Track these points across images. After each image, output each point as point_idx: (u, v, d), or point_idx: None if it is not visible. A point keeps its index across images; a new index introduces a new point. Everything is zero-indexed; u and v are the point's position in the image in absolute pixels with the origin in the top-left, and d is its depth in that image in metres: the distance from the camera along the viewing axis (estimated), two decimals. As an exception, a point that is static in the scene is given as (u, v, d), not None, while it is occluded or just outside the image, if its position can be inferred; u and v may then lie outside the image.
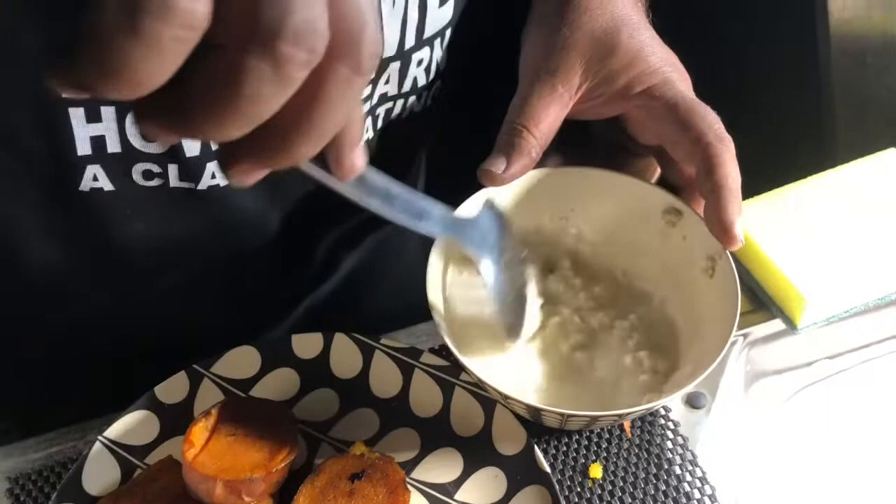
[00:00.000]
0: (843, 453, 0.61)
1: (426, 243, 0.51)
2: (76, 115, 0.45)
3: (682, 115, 0.49)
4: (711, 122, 0.48)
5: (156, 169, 0.49)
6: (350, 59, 0.27)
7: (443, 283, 0.52)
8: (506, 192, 0.53)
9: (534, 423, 0.50)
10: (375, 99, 0.52)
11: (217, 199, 0.52)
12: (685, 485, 0.50)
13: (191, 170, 0.49)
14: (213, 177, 0.50)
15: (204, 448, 0.48)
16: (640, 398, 0.49)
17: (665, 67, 0.50)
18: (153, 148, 0.47)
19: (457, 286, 0.53)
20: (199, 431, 0.49)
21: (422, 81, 0.53)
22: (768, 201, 0.59)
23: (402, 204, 0.41)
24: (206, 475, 0.47)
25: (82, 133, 0.45)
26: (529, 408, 0.46)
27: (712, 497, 0.50)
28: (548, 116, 0.50)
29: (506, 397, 0.46)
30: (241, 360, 0.55)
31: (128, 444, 0.51)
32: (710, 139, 0.48)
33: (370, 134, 0.54)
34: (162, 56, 0.23)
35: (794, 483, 0.60)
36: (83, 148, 0.46)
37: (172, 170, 0.49)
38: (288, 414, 0.52)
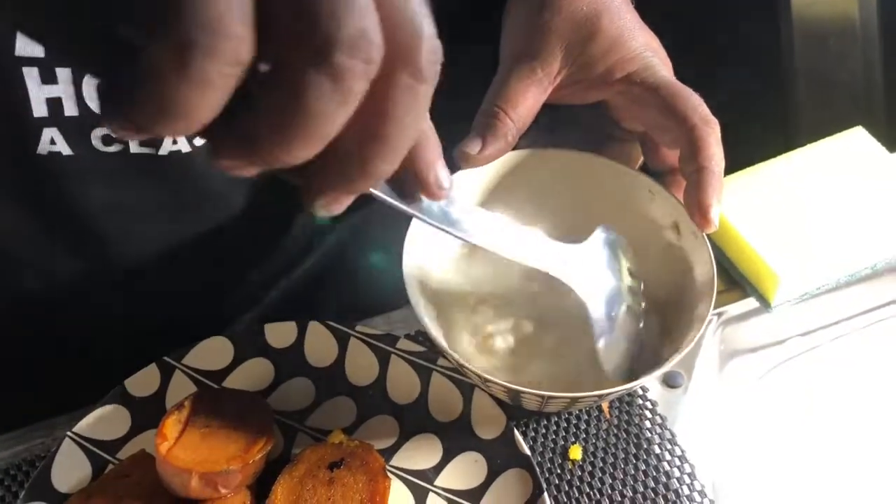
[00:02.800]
0: (817, 429, 0.62)
1: (404, 228, 0.50)
2: (31, 74, 0.43)
3: (664, 98, 0.48)
4: (695, 104, 0.48)
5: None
6: (409, 66, 0.27)
7: (420, 267, 0.51)
8: (481, 174, 0.52)
9: (513, 407, 0.50)
10: None
11: (180, 167, 0.50)
12: (664, 464, 0.50)
13: None
14: (175, 142, 0.48)
15: (177, 441, 0.47)
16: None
17: (646, 52, 0.50)
18: None
19: (435, 271, 0.53)
20: (172, 424, 0.48)
21: None
22: (739, 180, 0.59)
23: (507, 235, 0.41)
24: (180, 468, 0.46)
25: (38, 94, 0.44)
26: (509, 390, 0.46)
27: (692, 475, 0.50)
28: (526, 100, 0.50)
29: (485, 380, 0.46)
30: (213, 351, 0.54)
31: (98, 439, 0.50)
32: (695, 121, 0.48)
33: None
34: (211, 91, 0.24)
35: (770, 459, 0.61)
36: (39, 110, 0.45)
37: None
38: (263, 404, 0.51)
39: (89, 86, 0.44)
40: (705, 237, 0.50)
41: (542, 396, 0.46)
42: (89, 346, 0.59)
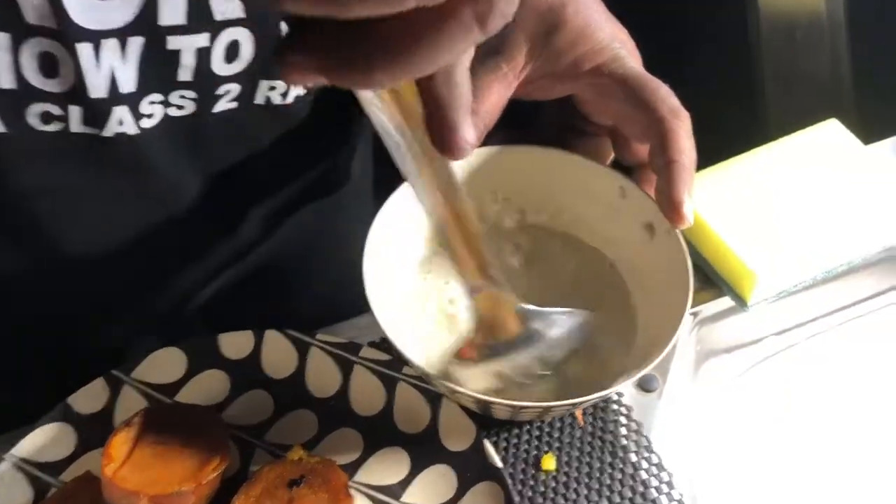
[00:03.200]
0: (795, 429, 0.61)
1: (366, 228, 0.48)
2: None
3: (633, 90, 0.47)
4: (664, 96, 0.47)
5: (55, 111, 0.43)
6: (480, 4, 0.24)
7: (382, 272, 0.49)
8: None
9: (482, 416, 0.48)
10: None
11: (125, 151, 0.47)
12: (641, 472, 0.48)
13: (95, 113, 0.44)
14: (121, 123, 0.45)
15: (126, 461, 0.44)
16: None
17: (614, 44, 0.48)
18: (53, 86, 0.42)
19: (398, 277, 0.50)
20: (120, 443, 0.45)
21: None
22: (711, 176, 0.57)
23: None
24: (128, 490, 0.43)
25: None
26: (479, 401, 0.44)
27: (669, 483, 0.48)
28: (491, 95, 0.48)
29: (453, 391, 0.43)
30: (164, 363, 0.51)
31: (40, 461, 0.47)
32: (664, 113, 0.46)
33: (302, 91, 0.50)
34: None
35: (749, 463, 0.59)
36: None
37: (74, 112, 0.44)
38: (218, 419, 0.48)
39: (29, 56, 0.41)
40: (680, 236, 0.48)
41: (514, 406, 0.44)
42: (29, 361, 0.56)
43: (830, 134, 0.60)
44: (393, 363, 0.50)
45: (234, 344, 0.51)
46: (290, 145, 0.53)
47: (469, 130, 0.31)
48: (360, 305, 0.56)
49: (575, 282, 0.53)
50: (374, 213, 0.49)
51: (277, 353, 0.51)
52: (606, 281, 0.53)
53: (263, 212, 0.58)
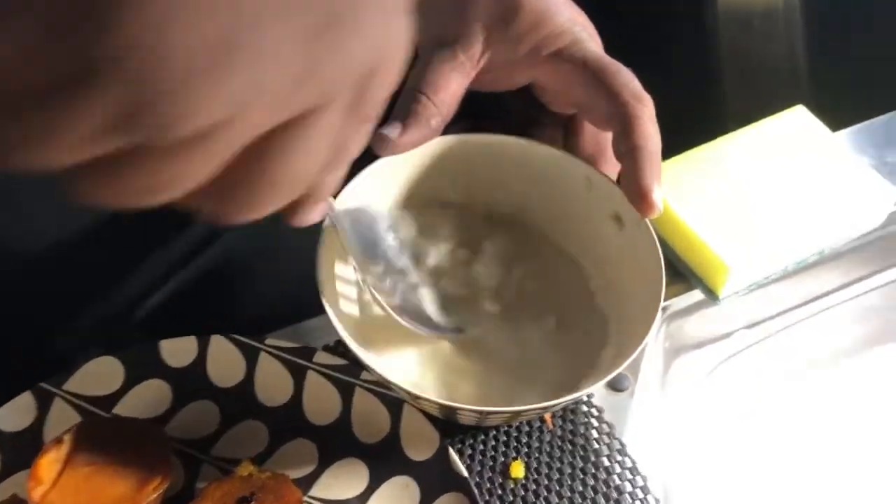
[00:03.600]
0: (768, 425, 0.59)
1: (315, 228, 0.44)
2: None
3: (594, 74, 0.44)
4: (626, 80, 0.44)
5: None
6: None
7: (335, 272, 0.45)
8: (406, 163, 0.47)
9: (447, 421, 0.45)
10: None
11: None
12: (615, 477, 0.46)
13: None
14: None
15: (55, 484, 0.41)
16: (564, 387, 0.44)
17: (574, 27, 0.46)
18: None
19: (352, 275, 0.47)
20: (49, 464, 0.41)
21: None
22: (678, 166, 0.55)
23: None
24: (58, 517, 0.39)
25: None
26: (443, 407, 0.41)
27: (644, 488, 0.46)
28: (448, 85, 0.45)
29: (415, 397, 0.40)
30: (100, 374, 0.47)
31: (-40, 485, 0.42)
32: (627, 98, 0.44)
33: None
34: None
35: (723, 461, 0.58)
36: None
37: None
38: (160, 433, 0.44)
39: None
40: (651, 228, 0.46)
41: (481, 412, 0.41)
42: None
43: (798, 121, 0.58)
44: (349, 368, 0.47)
45: (177, 351, 0.48)
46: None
47: None
48: (311, 307, 0.53)
49: (540, 279, 0.50)
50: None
51: (223, 359, 0.47)
52: (574, 277, 0.50)
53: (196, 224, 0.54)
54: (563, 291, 0.49)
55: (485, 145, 0.49)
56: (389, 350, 0.45)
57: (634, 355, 0.41)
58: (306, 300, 0.56)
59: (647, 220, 0.46)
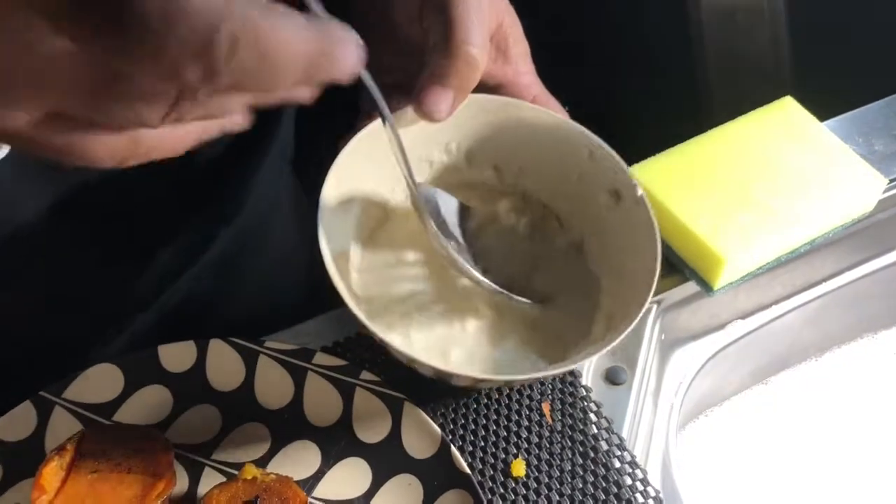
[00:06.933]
0: (767, 413, 0.60)
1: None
2: None
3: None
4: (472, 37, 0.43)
5: None
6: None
7: (338, 244, 0.45)
8: (406, 129, 0.45)
9: (444, 386, 0.45)
10: None
11: None
12: (613, 472, 0.46)
13: None
14: None
15: (59, 492, 0.41)
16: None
17: None
18: None
19: (358, 247, 0.47)
20: (52, 472, 0.41)
21: None
22: (668, 160, 0.56)
23: None
24: (63, 525, 0.39)
25: None
26: (437, 371, 0.41)
27: (644, 481, 0.46)
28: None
29: (410, 360, 0.41)
30: (99, 381, 0.47)
31: (-38, 496, 0.42)
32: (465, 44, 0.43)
33: None
34: None
35: (720, 451, 0.58)
36: None
37: None
38: (161, 439, 0.44)
39: None
40: (648, 203, 0.45)
41: (474, 379, 0.42)
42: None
43: (786, 111, 0.59)
44: (349, 368, 0.47)
45: (176, 356, 0.48)
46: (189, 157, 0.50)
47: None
48: (308, 309, 0.53)
49: (535, 251, 0.50)
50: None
51: (223, 363, 0.47)
52: (569, 248, 0.50)
53: (184, 228, 0.54)
54: (557, 263, 0.49)
55: (499, 106, 0.48)
56: (393, 320, 0.46)
57: (629, 329, 0.41)
58: (303, 302, 0.56)
59: (645, 197, 0.45)
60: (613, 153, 0.47)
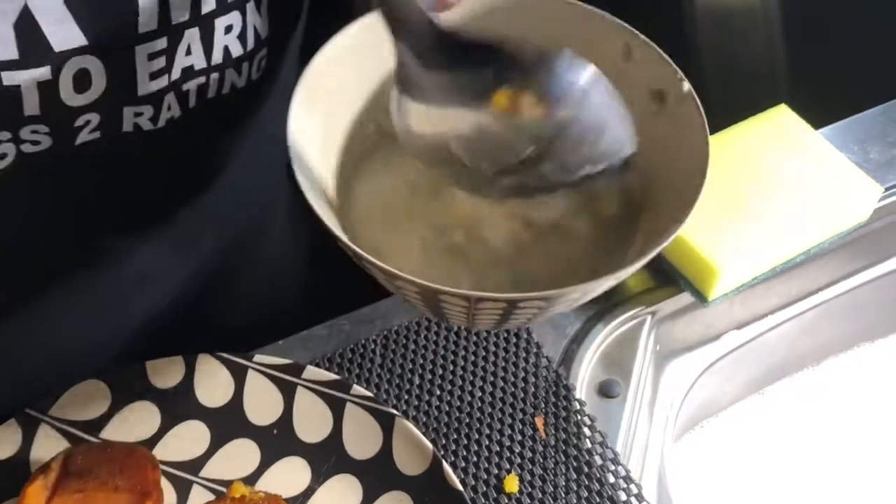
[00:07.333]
0: (764, 424, 0.59)
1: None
2: None
3: None
4: None
5: None
6: None
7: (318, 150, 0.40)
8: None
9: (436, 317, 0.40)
10: (178, 73, 0.43)
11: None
12: (608, 488, 0.45)
13: None
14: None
15: (44, 512, 0.40)
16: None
17: None
18: None
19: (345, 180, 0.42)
20: (37, 492, 0.40)
21: (237, 51, 0.45)
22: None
23: None
24: (48, 546, 0.38)
25: None
26: (424, 290, 0.34)
27: (639, 496, 0.45)
28: None
29: (393, 276, 0.34)
30: (86, 398, 0.46)
31: (-55, 517, 0.42)
32: None
33: (177, 113, 0.46)
34: None
35: (717, 465, 0.58)
36: None
37: None
38: (149, 456, 0.44)
39: None
40: (696, 100, 0.39)
41: (469, 297, 0.34)
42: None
43: (780, 120, 0.58)
44: (339, 383, 0.46)
45: (164, 371, 0.47)
46: (177, 168, 0.49)
47: None
48: (296, 321, 0.52)
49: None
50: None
51: (211, 379, 0.47)
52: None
53: (166, 237, 0.53)
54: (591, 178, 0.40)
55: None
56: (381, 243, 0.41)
57: (670, 240, 0.36)
58: (291, 314, 0.56)
59: (692, 93, 0.40)
60: (656, 48, 0.41)
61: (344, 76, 0.41)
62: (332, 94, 0.41)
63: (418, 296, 0.36)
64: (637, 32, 0.41)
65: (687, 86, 0.40)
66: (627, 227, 0.42)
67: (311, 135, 0.40)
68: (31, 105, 0.39)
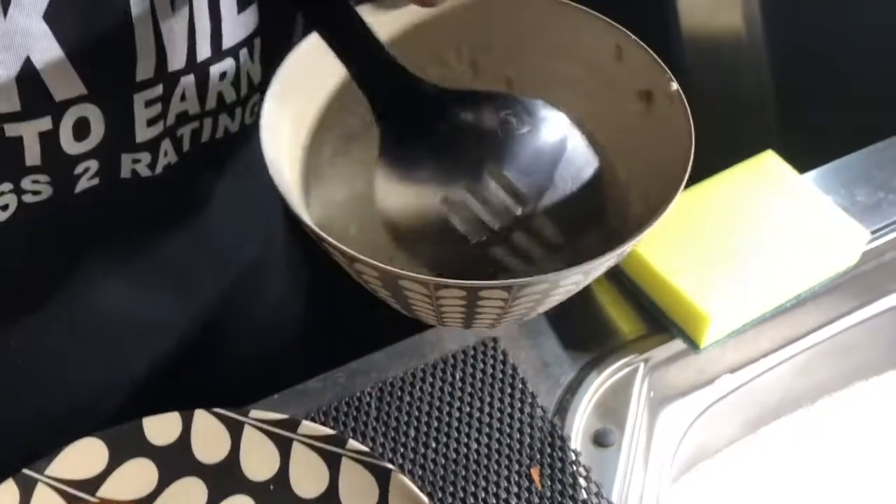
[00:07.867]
0: (759, 466, 0.59)
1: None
2: None
3: None
4: None
5: None
6: None
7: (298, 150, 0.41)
8: (398, 20, 0.41)
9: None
10: (172, 119, 0.44)
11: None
12: (605, 537, 0.46)
13: None
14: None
15: (41, 576, 0.40)
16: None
17: None
18: None
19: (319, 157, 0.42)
20: (35, 556, 0.40)
21: (231, 98, 0.46)
22: (653, 214, 0.56)
23: None
24: None
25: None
26: (385, 274, 0.33)
27: (635, 547, 0.45)
28: None
29: (353, 259, 0.33)
30: (83, 456, 0.46)
31: (-58, 582, 0.42)
32: None
33: (173, 159, 0.46)
34: None
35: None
36: None
37: None
38: (146, 516, 0.44)
39: None
40: (684, 100, 0.39)
41: (427, 284, 0.32)
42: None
43: (767, 166, 0.59)
44: (335, 438, 0.47)
45: (161, 428, 0.47)
46: (175, 212, 0.50)
47: None
48: (292, 371, 0.53)
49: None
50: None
51: (208, 435, 0.47)
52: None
53: (167, 280, 0.54)
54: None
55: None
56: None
57: (656, 223, 0.37)
58: (286, 364, 0.56)
59: (680, 92, 0.39)
60: (647, 49, 0.41)
61: (313, 79, 0.41)
62: (302, 95, 0.41)
63: (379, 281, 0.34)
64: (629, 33, 0.41)
65: (675, 85, 0.40)
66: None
67: (282, 134, 0.40)
68: (33, 155, 0.39)
